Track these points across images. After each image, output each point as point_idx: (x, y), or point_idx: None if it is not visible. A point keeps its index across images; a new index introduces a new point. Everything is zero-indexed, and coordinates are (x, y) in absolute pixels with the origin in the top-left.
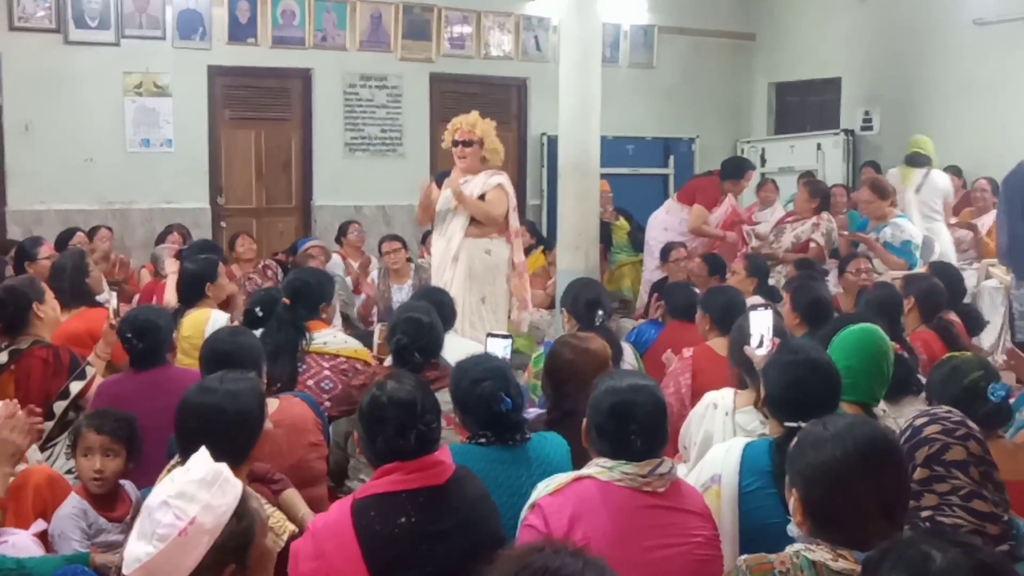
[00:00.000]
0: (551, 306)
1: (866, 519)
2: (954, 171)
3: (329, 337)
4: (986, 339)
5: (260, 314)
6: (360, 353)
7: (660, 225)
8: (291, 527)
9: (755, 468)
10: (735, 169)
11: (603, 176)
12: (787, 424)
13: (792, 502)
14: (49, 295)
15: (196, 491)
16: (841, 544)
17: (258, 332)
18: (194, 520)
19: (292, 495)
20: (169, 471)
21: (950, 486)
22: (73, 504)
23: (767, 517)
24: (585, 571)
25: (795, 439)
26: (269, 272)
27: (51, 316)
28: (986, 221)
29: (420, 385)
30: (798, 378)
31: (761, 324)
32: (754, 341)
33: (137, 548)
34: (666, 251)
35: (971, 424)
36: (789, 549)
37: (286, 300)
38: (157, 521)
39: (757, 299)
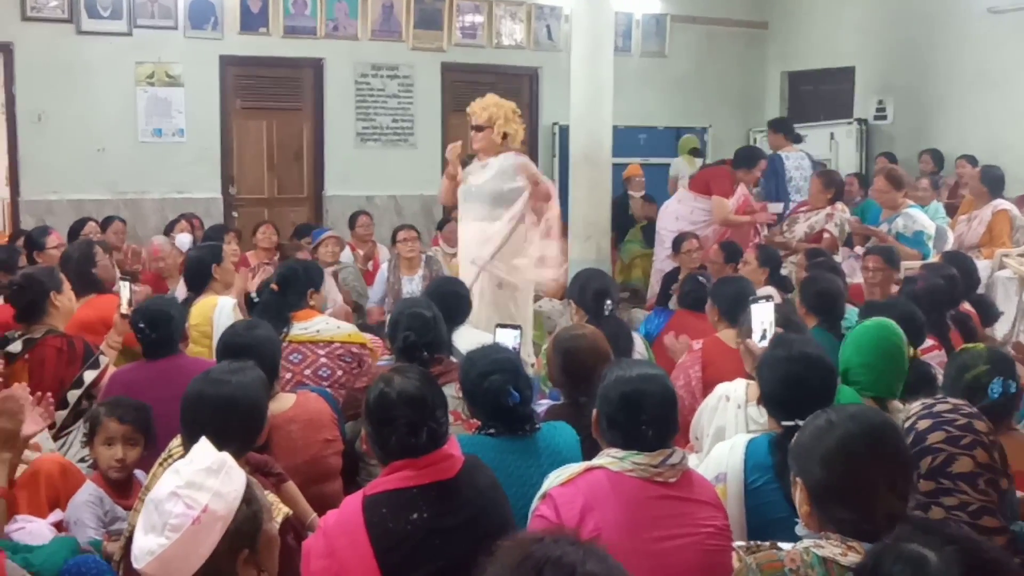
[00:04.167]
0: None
1: (874, 494)
2: (968, 159)
3: (321, 324)
4: (1000, 329)
5: (255, 300)
6: (354, 337)
7: (672, 215)
8: (285, 509)
9: (759, 464)
10: (747, 158)
11: (614, 166)
12: (784, 424)
13: (797, 494)
14: (66, 286)
15: (204, 480)
16: (850, 527)
17: None
18: (206, 508)
19: (292, 488)
20: (162, 463)
21: (958, 500)
22: (89, 492)
23: (774, 512)
24: (586, 559)
25: (796, 434)
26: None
27: (67, 307)
28: (985, 214)
29: (427, 378)
30: (792, 374)
31: (762, 317)
32: (755, 335)
33: (147, 541)
34: (678, 241)
35: (977, 426)
36: (799, 545)
37: (275, 286)
38: (168, 512)
39: (770, 289)
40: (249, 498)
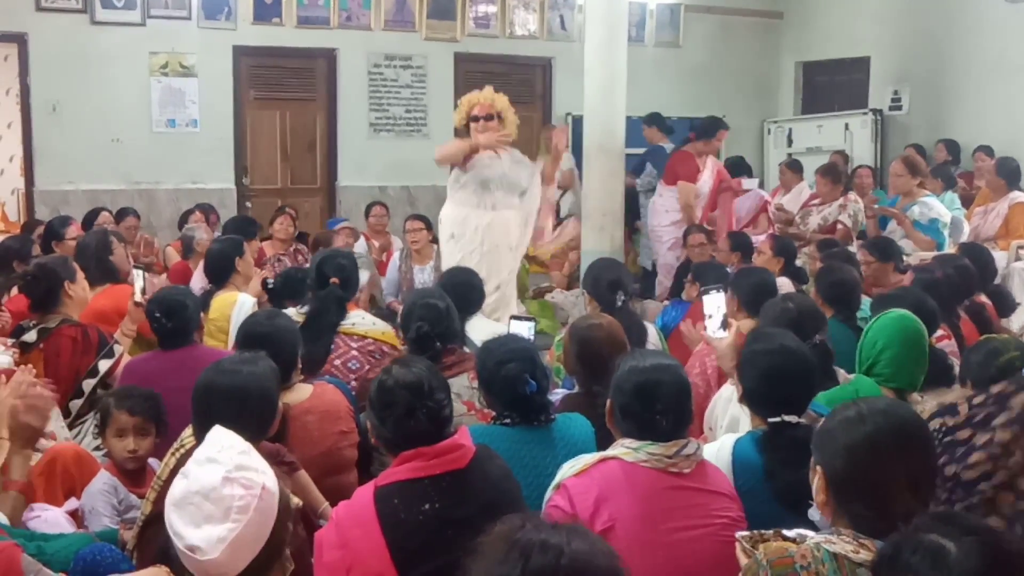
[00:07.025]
0: (571, 287)
1: (893, 492)
2: (985, 151)
3: (358, 318)
4: (1016, 321)
5: (270, 286)
6: (388, 335)
7: (661, 209)
8: (295, 500)
9: (747, 464)
10: (703, 128)
11: (628, 156)
12: (771, 420)
13: (816, 480)
14: (80, 275)
15: (248, 461)
16: (864, 523)
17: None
18: (264, 486)
19: (303, 477)
20: (174, 453)
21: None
22: (104, 480)
23: (766, 511)
24: (570, 539)
25: (825, 419)
26: (300, 257)
27: (81, 296)
28: (1002, 206)
29: (428, 367)
30: (774, 367)
31: (716, 306)
32: (711, 324)
33: (212, 531)
34: (685, 235)
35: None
36: (810, 541)
37: (335, 280)
38: (228, 497)
39: (784, 280)
40: (279, 476)
